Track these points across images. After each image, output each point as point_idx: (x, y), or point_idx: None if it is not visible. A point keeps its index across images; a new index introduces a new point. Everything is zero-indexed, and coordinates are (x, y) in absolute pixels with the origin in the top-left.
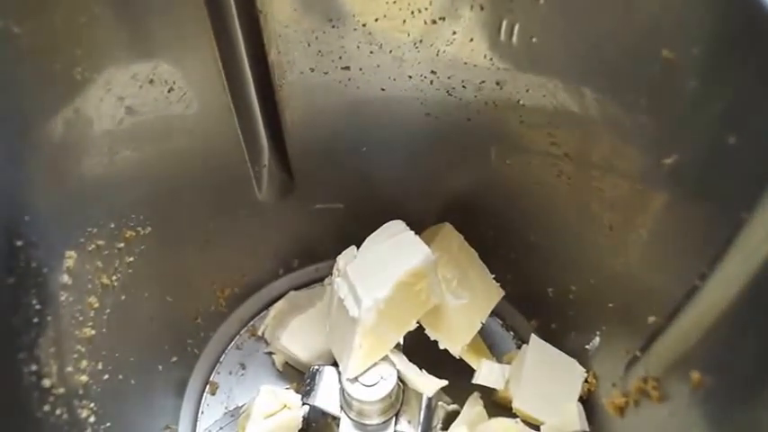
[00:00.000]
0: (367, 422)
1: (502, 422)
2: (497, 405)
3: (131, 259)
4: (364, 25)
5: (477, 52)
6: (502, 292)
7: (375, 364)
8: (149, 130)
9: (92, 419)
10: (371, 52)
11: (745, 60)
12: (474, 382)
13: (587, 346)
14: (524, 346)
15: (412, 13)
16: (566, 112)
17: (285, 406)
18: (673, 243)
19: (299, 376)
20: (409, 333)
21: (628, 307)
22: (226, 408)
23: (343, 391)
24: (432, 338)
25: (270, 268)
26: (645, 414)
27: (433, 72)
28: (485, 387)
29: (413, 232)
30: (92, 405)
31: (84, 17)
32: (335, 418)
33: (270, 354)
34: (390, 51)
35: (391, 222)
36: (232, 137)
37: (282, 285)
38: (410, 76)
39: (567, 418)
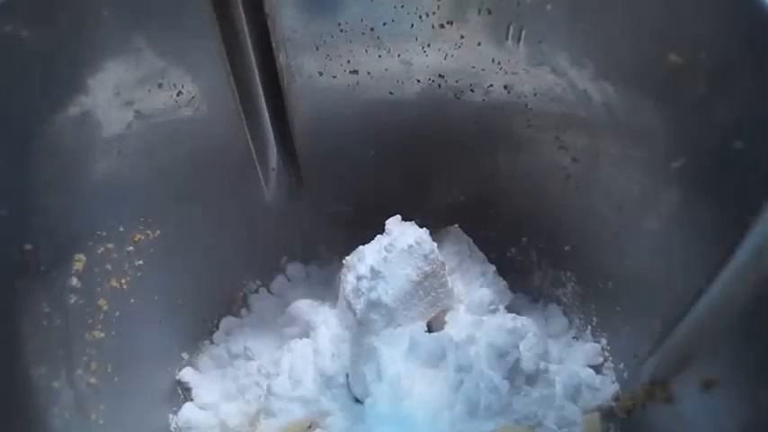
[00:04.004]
0: None
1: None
2: None
3: (140, 262)
4: (372, 29)
5: (485, 56)
6: (510, 294)
7: None
8: (158, 133)
9: (101, 421)
10: (379, 56)
11: (752, 65)
12: None
13: None
14: None
15: (420, 17)
16: (573, 116)
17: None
18: (679, 246)
19: None
20: None
21: (635, 310)
22: None
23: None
24: None
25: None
26: (652, 416)
27: (440, 76)
28: None
29: (422, 231)
30: (101, 407)
31: (93, 20)
32: None
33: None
34: (398, 55)
35: (400, 222)
36: (240, 140)
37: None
38: (418, 80)
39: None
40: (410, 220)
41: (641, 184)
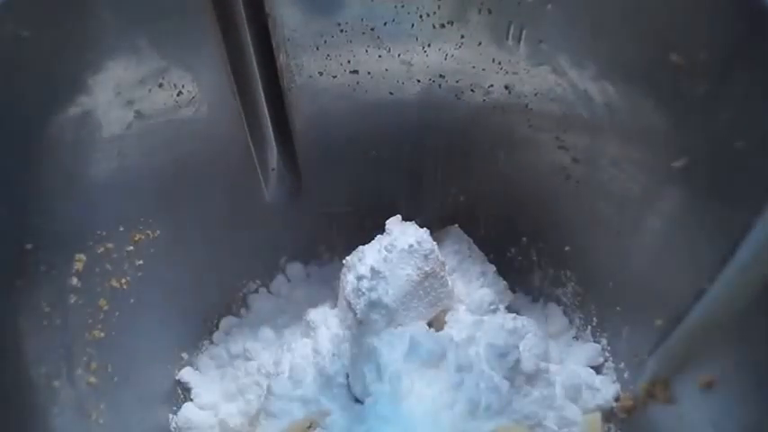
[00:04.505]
0: None
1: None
2: None
3: (140, 262)
4: (372, 29)
5: (485, 56)
6: (511, 294)
7: None
8: (158, 133)
9: (101, 421)
10: (380, 56)
11: (752, 65)
12: None
13: None
14: None
15: (420, 17)
16: (574, 117)
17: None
18: (680, 246)
19: None
20: None
21: (636, 310)
22: None
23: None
24: None
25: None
26: (652, 416)
27: (441, 76)
28: None
29: (422, 231)
30: (101, 406)
31: (93, 20)
32: None
33: None
34: (399, 55)
35: (400, 222)
36: (241, 140)
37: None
38: (418, 80)
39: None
40: (410, 220)
41: (642, 183)
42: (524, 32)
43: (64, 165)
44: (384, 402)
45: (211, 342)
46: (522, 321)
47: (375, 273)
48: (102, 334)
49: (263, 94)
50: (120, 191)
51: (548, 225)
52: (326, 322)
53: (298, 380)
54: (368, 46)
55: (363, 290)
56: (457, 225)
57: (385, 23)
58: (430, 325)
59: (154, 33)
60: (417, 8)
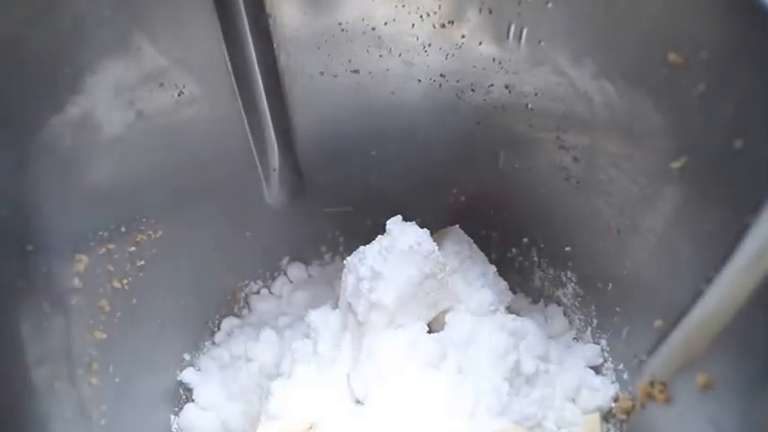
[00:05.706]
0: None
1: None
2: None
3: (142, 263)
4: (373, 29)
5: (486, 56)
6: (511, 295)
7: None
8: (159, 133)
9: (103, 422)
10: (381, 56)
11: (751, 65)
12: None
13: None
14: None
15: (421, 17)
16: (574, 116)
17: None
18: (679, 247)
19: None
20: None
21: (635, 310)
22: None
23: None
24: None
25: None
26: (651, 416)
27: (441, 76)
28: None
29: (422, 231)
30: (103, 407)
31: (93, 20)
32: None
33: None
34: (399, 55)
35: (401, 222)
36: (242, 140)
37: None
38: (419, 80)
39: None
40: (411, 221)
41: (641, 184)
42: (524, 32)
43: (65, 165)
44: (384, 402)
45: (213, 343)
46: (522, 322)
47: (375, 273)
48: (104, 335)
49: (264, 94)
50: (121, 191)
51: (548, 225)
52: (327, 323)
53: (298, 380)
54: (369, 46)
55: (364, 290)
56: (457, 225)
57: (385, 23)
58: (430, 326)
59: (155, 33)
60: (418, 8)
